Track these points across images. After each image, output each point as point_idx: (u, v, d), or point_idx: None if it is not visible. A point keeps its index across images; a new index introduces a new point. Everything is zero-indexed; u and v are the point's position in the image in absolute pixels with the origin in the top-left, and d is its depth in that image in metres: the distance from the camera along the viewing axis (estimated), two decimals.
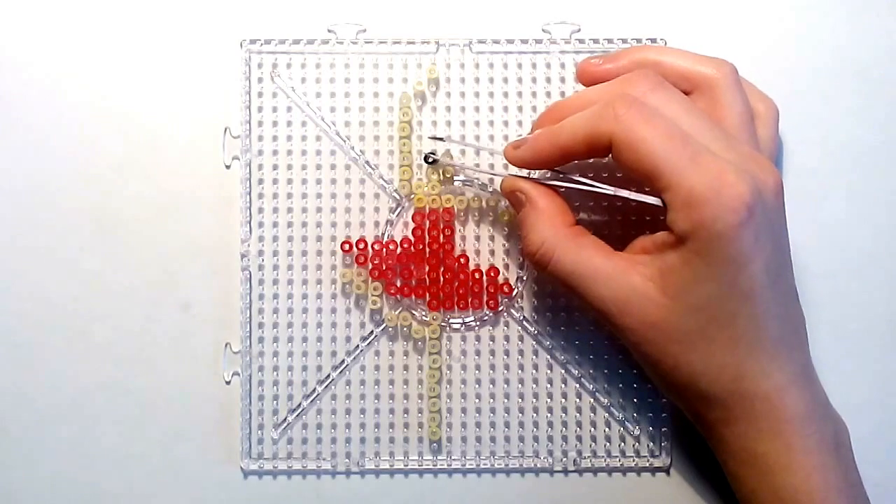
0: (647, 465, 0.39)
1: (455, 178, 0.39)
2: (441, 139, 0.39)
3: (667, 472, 0.39)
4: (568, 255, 0.33)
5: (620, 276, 0.33)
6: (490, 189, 0.39)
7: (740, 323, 0.31)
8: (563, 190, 0.35)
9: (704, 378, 0.32)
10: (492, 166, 0.39)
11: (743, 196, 0.30)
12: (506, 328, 0.39)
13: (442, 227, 0.39)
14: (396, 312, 0.39)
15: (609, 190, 0.34)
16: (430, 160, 0.39)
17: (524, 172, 0.36)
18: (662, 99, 0.32)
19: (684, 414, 0.35)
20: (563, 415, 0.39)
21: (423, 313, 0.39)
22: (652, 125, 0.31)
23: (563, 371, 0.39)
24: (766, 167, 0.32)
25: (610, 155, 0.32)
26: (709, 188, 0.30)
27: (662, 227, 0.32)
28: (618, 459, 0.39)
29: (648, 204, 0.32)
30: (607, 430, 0.39)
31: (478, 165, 0.39)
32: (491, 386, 0.39)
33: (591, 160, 0.37)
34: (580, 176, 0.35)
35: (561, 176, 0.35)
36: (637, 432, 0.39)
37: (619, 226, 0.39)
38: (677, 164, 0.30)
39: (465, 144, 0.39)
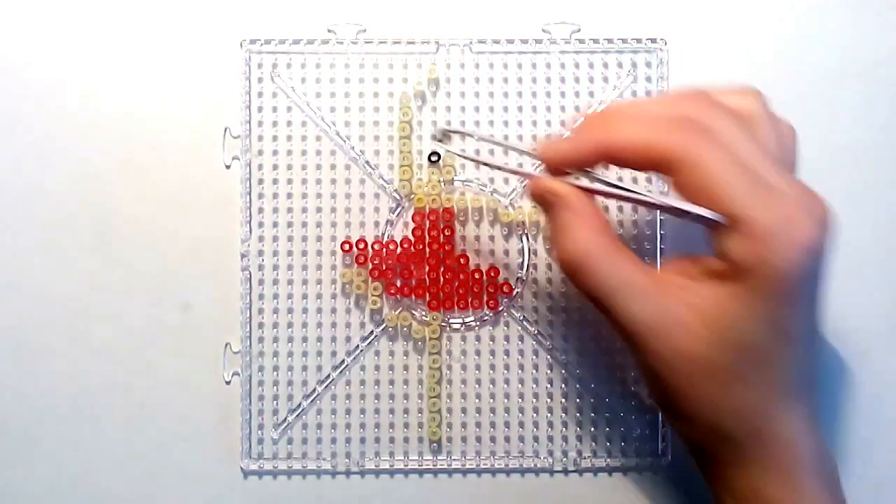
0: (647, 465, 0.39)
1: (455, 178, 0.39)
2: (452, 131, 0.38)
3: (667, 472, 0.39)
4: (604, 265, 0.31)
5: (658, 298, 0.31)
6: (490, 189, 0.39)
7: (776, 366, 0.30)
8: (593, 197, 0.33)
9: (727, 416, 0.31)
10: (491, 152, 0.39)
11: (812, 235, 0.28)
12: (506, 328, 0.39)
13: (442, 227, 0.39)
14: (396, 312, 0.39)
15: (662, 200, 0.31)
16: (433, 159, 0.39)
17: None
18: (724, 124, 0.30)
19: (686, 447, 0.34)
20: (563, 415, 0.39)
21: (423, 313, 0.39)
22: (721, 151, 0.29)
23: (563, 371, 0.39)
24: (821, 204, 0.30)
25: (659, 173, 0.31)
26: (779, 223, 0.28)
27: (714, 253, 0.30)
28: (618, 459, 0.39)
29: (705, 220, 0.30)
30: (607, 430, 0.39)
31: (492, 154, 0.39)
32: (491, 386, 0.39)
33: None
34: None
35: (604, 180, 0.32)
36: (637, 432, 0.39)
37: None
38: (747, 194, 0.29)
39: (489, 141, 0.38)
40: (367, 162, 0.39)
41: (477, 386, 0.39)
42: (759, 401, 0.30)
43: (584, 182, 0.32)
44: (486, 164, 0.38)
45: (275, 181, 0.39)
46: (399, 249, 0.39)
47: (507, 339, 0.39)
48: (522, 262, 0.39)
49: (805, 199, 0.29)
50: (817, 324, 0.31)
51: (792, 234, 0.28)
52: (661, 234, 0.39)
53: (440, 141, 0.37)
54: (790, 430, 0.31)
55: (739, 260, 0.29)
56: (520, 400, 0.39)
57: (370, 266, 0.39)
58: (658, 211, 0.37)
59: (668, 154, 0.30)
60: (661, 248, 0.39)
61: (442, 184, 0.39)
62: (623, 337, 0.32)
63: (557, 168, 0.33)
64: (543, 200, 0.33)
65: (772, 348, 0.30)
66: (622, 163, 0.32)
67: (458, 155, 0.38)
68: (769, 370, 0.30)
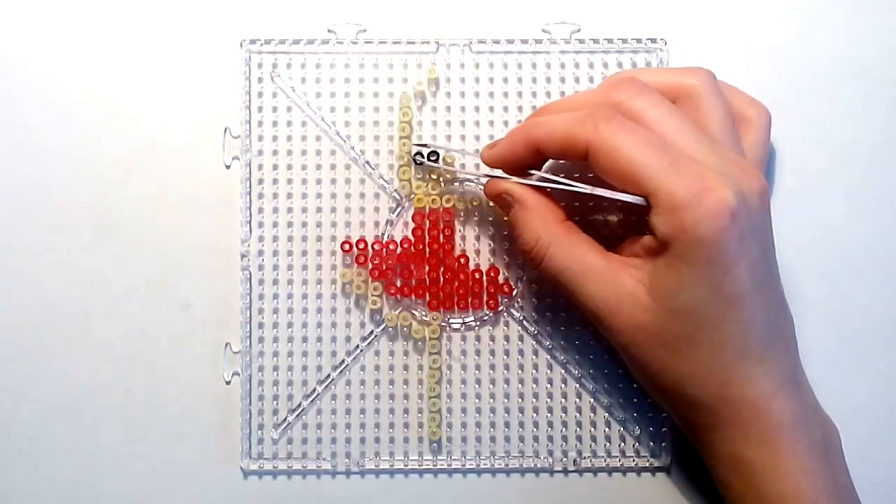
0: (647, 465, 0.39)
1: (455, 178, 0.39)
2: (424, 146, 0.38)
3: (667, 472, 0.39)
4: (562, 251, 0.34)
5: (612, 276, 0.33)
6: None
7: (726, 328, 0.31)
8: (548, 191, 0.35)
9: (691, 383, 0.32)
10: (477, 166, 0.39)
11: (725, 200, 0.30)
12: (506, 328, 0.39)
13: (442, 227, 0.39)
14: (396, 312, 0.39)
15: (589, 189, 0.33)
16: (418, 161, 0.38)
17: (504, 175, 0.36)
18: (646, 103, 0.32)
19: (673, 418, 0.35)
20: (563, 415, 0.39)
21: (423, 313, 0.39)
22: (630, 133, 0.31)
23: (563, 371, 0.39)
24: (750, 171, 0.32)
25: (587, 162, 0.32)
26: (689, 193, 0.30)
27: (649, 230, 0.32)
28: (618, 459, 0.39)
29: (630, 203, 0.32)
30: (607, 430, 0.39)
31: (464, 166, 0.39)
32: (491, 386, 0.39)
33: (568, 162, 0.37)
34: (562, 177, 0.35)
35: (542, 176, 0.35)
36: (637, 432, 0.39)
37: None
38: (656, 169, 0.30)
39: (441, 148, 0.38)
40: (367, 162, 0.39)
41: (477, 386, 0.39)
42: (717, 364, 0.32)
43: (529, 179, 0.35)
44: (453, 173, 0.39)
45: (275, 181, 0.39)
46: (399, 249, 0.39)
47: (507, 339, 0.39)
48: (523, 262, 0.39)
49: (722, 166, 0.31)
50: (767, 284, 0.32)
51: (704, 201, 0.30)
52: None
53: (419, 164, 0.38)
54: (759, 393, 0.32)
55: (662, 232, 0.31)
56: (520, 400, 0.39)
57: (370, 266, 0.39)
58: (595, 198, 0.38)
59: (584, 143, 0.32)
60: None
61: (442, 184, 0.39)
62: (589, 318, 0.34)
63: (512, 169, 0.35)
64: (499, 201, 0.36)
65: (715, 311, 0.31)
66: (553, 156, 0.34)
67: (432, 166, 0.38)
68: (719, 333, 0.31)
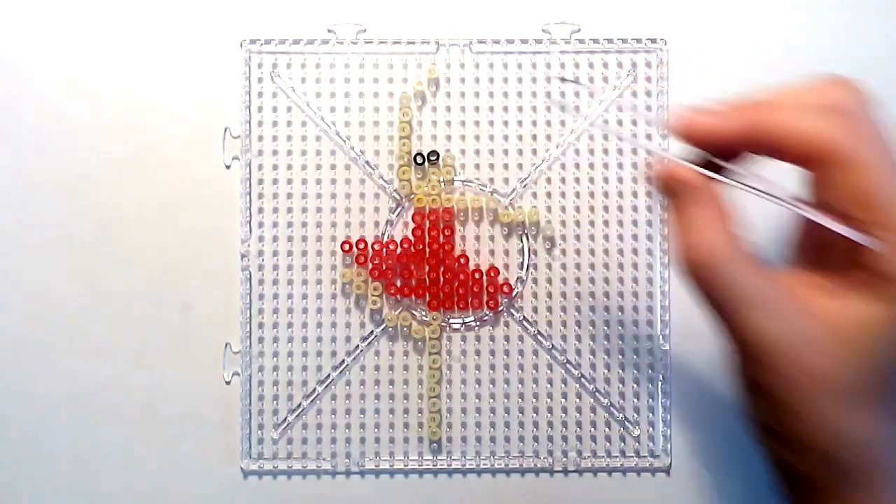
0: (647, 465, 0.39)
1: (455, 178, 0.39)
2: (572, 81, 0.37)
3: (667, 472, 0.39)
4: (730, 270, 0.28)
5: (787, 311, 0.27)
6: (490, 189, 0.39)
7: None
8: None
9: (847, 444, 0.27)
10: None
11: None
12: (506, 328, 0.39)
13: (442, 227, 0.39)
14: (396, 312, 0.39)
15: (805, 208, 0.28)
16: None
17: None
18: (879, 123, 0.28)
19: (773, 472, 0.30)
20: (563, 415, 0.39)
21: (423, 313, 0.39)
22: (881, 152, 0.27)
23: (563, 371, 0.39)
24: None
25: (807, 167, 0.28)
26: None
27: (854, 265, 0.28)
28: (618, 459, 0.39)
29: (849, 239, 0.27)
30: (607, 430, 0.39)
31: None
32: (491, 386, 0.39)
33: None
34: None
35: (752, 176, 0.29)
36: (637, 432, 0.39)
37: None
38: None
39: (579, 84, 0.36)
40: (367, 162, 0.39)
41: (477, 386, 0.39)
42: (886, 430, 0.27)
43: (716, 173, 0.29)
44: (621, 137, 0.35)
45: (275, 181, 0.39)
46: (399, 249, 0.39)
47: (507, 339, 0.39)
48: (522, 262, 0.39)
49: None
50: None
51: None
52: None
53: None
54: None
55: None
56: (520, 400, 0.39)
57: (370, 266, 0.39)
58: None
59: (827, 146, 0.27)
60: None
61: (442, 184, 0.39)
62: (741, 350, 0.28)
63: (698, 145, 0.29)
64: (670, 188, 0.29)
65: None
66: (771, 150, 0.28)
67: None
68: None
